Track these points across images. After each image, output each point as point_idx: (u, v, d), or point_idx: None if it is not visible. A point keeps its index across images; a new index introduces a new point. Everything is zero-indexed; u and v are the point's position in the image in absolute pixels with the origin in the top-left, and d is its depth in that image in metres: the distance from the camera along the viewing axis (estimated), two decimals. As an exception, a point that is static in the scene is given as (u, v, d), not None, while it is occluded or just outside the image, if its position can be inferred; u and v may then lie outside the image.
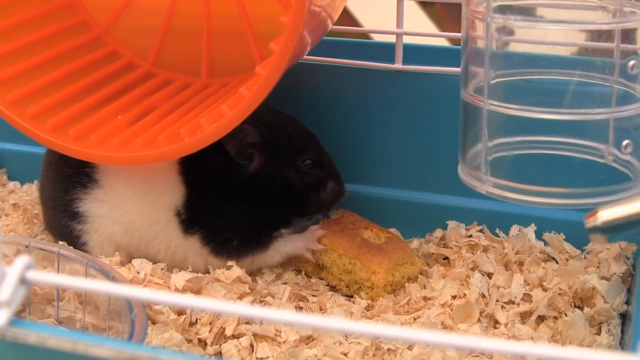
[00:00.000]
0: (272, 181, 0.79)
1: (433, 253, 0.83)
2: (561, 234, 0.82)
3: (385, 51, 0.88)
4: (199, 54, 0.91)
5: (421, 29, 0.91)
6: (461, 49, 0.70)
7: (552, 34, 0.69)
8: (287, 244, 0.81)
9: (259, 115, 0.74)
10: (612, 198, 0.65)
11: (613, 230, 0.55)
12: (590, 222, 0.55)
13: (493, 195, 0.67)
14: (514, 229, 0.84)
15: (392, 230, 0.86)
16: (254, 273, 0.80)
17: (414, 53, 0.88)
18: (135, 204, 0.79)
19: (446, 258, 0.83)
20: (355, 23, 1.75)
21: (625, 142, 0.67)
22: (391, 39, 0.88)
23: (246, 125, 0.74)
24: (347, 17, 1.72)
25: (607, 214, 0.55)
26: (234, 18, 0.88)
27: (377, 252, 0.78)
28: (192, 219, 0.79)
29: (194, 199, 0.79)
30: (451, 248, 0.83)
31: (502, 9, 0.69)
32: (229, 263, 0.78)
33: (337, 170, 0.83)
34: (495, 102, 0.66)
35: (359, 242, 0.79)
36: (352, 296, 0.78)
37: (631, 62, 0.66)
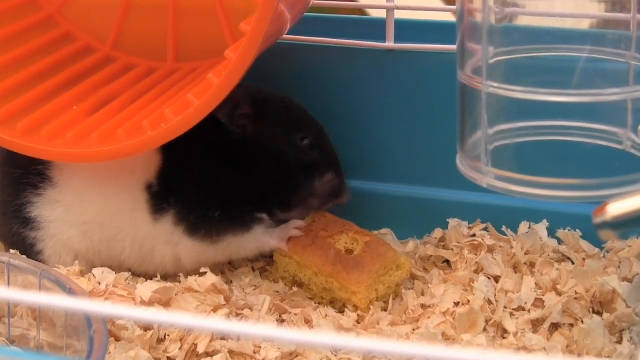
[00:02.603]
0: (262, 149, 0.82)
1: (431, 256, 0.85)
2: (577, 230, 0.84)
3: (377, 28, 0.90)
4: (164, 36, 0.92)
5: (421, 2, 0.92)
6: (457, 24, 0.72)
7: (560, 5, 0.71)
8: (267, 234, 0.83)
9: (255, 90, 0.77)
10: (630, 189, 0.66)
11: (625, 225, 0.56)
12: (599, 217, 0.57)
13: (495, 188, 0.68)
14: (523, 226, 0.85)
15: (385, 230, 0.88)
16: (226, 275, 0.83)
17: (408, 29, 0.89)
18: (95, 197, 0.81)
19: (446, 261, 0.85)
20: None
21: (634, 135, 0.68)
22: (384, 14, 0.90)
23: (239, 90, 0.75)
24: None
25: (617, 208, 0.56)
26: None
27: (354, 267, 0.79)
28: (166, 190, 0.80)
29: (170, 166, 0.81)
30: (452, 249, 0.84)
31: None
32: (201, 251, 0.80)
33: (340, 165, 0.85)
34: (496, 84, 0.68)
35: (333, 257, 0.80)
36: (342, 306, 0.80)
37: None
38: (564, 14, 0.71)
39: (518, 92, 0.67)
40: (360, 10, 1.54)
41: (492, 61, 0.70)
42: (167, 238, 0.81)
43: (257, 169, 0.81)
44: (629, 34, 0.69)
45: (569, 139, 0.71)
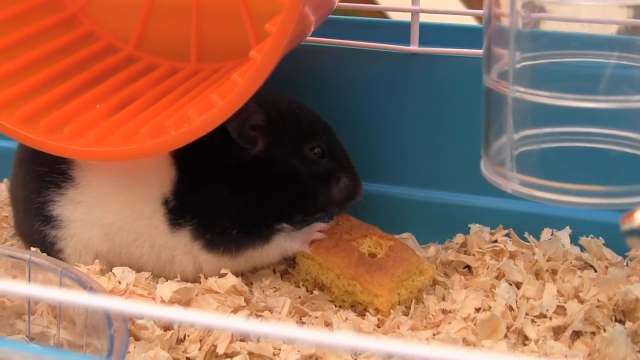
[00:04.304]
0: (274, 167, 0.81)
1: (452, 261, 0.84)
2: (600, 238, 0.84)
3: (401, 31, 0.90)
4: (187, 36, 0.92)
5: (444, 5, 0.91)
6: (483, 29, 0.71)
7: (587, 11, 0.70)
8: (288, 240, 0.83)
9: (265, 96, 0.76)
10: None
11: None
12: (626, 224, 0.56)
13: (520, 194, 0.68)
14: (546, 233, 0.85)
15: (406, 235, 0.88)
16: (247, 276, 0.82)
17: (433, 33, 0.89)
18: (116, 202, 0.81)
19: (467, 266, 0.84)
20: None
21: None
22: (408, 17, 0.89)
23: (251, 104, 0.75)
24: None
25: (645, 215, 0.56)
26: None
27: (377, 270, 0.79)
28: (182, 206, 0.80)
29: (185, 183, 0.80)
30: (473, 255, 0.84)
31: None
32: (222, 264, 0.80)
33: (352, 165, 0.85)
34: (522, 89, 0.67)
35: (356, 259, 0.80)
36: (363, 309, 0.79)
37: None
38: (591, 19, 0.71)
39: (544, 97, 0.66)
40: (381, 13, 1.53)
41: (518, 66, 0.69)
42: (187, 250, 0.81)
43: (271, 184, 0.81)
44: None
45: (595, 146, 0.70)
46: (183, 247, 0.80)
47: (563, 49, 0.71)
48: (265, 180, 0.81)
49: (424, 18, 0.90)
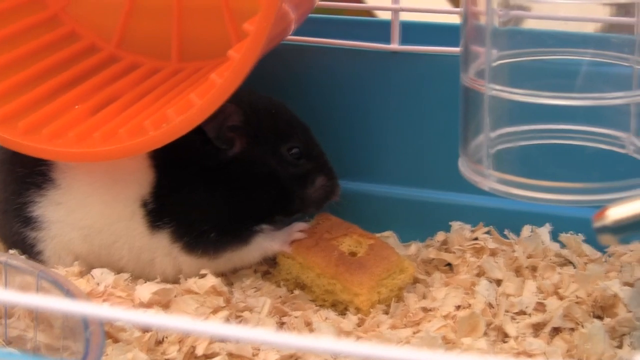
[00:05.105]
0: (252, 169, 0.81)
1: (433, 259, 0.84)
2: (580, 234, 0.83)
3: (385, 30, 0.89)
4: (169, 35, 0.91)
5: (429, 4, 0.91)
6: (460, 27, 0.71)
7: (564, 8, 0.70)
8: (268, 240, 0.82)
9: (242, 96, 0.75)
10: (633, 193, 0.66)
11: (625, 229, 0.55)
12: (599, 222, 0.56)
13: (497, 192, 0.68)
14: (526, 230, 0.85)
15: (388, 233, 0.87)
16: (228, 277, 0.82)
17: (416, 31, 0.88)
18: (95, 203, 0.80)
19: (449, 264, 0.84)
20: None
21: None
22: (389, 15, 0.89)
23: (228, 105, 0.74)
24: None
25: (618, 212, 0.55)
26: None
27: (357, 268, 0.78)
28: (161, 209, 0.80)
29: (164, 185, 0.80)
30: (454, 253, 0.83)
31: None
32: (201, 265, 0.79)
33: (329, 165, 0.84)
34: (498, 87, 0.67)
35: (336, 258, 0.79)
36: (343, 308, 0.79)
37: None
38: (568, 17, 0.70)
39: (521, 95, 0.66)
40: (368, 12, 1.53)
41: (495, 64, 0.69)
42: (166, 252, 0.80)
43: (249, 186, 0.81)
44: (633, 38, 0.69)
45: (572, 143, 0.70)
46: (162, 249, 0.80)
47: (540, 46, 0.71)
48: (243, 182, 0.81)
49: (408, 17, 0.90)
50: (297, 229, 0.83)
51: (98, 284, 0.76)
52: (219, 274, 0.80)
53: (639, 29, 0.69)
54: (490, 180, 0.68)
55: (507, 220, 0.85)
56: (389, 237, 0.89)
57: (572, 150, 0.70)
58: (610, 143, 0.71)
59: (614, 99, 0.67)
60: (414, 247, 0.87)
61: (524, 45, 0.70)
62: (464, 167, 0.71)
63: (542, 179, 0.66)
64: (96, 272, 0.78)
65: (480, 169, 0.69)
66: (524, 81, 0.67)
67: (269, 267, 0.85)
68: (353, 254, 0.81)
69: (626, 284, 0.76)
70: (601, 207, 0.60)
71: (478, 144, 0.69)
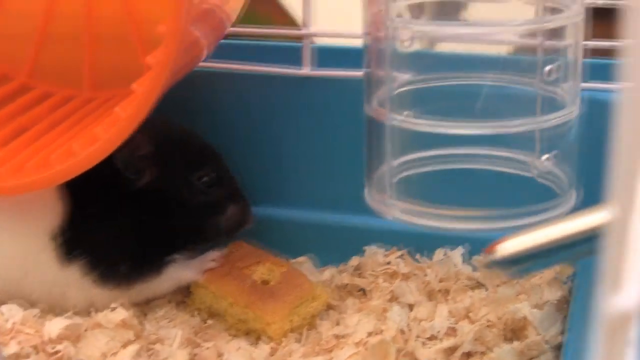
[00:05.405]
0: (163, 198, 0.80)
1: (347, 284, 0.84)
2: (492, 256, 0.84)
3: (296, 54, 0.89)
4: (81, 63, 0.90)
5: (343, 25, 0.90)
6: (363, 55, 0.71)
7: (469, 31, 0.70)
8: (181, 270, 0.82)
9: (153, 125, 0.75)
10: (536, 218, 0.66)
11: (515, 263, 0.56)
12: (488, 257, 0.56)
13: (401, 221, 0.68)
14: (439, 253, 0.85)
15: (303, 259, 0.87)
16: (141, 307, 0.81)
17: (328, 55, 0.88)
18: (3, 237, 0.79)
19: (363, 289, 0.84)
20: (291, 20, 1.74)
21: (549, 154, 0.68)
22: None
23: (137, 135, 0.74)
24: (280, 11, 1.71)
25: (508, 247, 0.56)
26: (120, 20, 0.89)
27: (269, 297, 0.78)
28: (72, 241, 0.79)
29: (74, 217, 0.79)
30: (367, 278, 0.83)
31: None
32: (114, 298, 0.78)
33: (241, 193, 0.84)
34: (400, 117, 0.67)
35: (249, 287, 0.79)
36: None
37: (548, 68, 0.67)
38: (476, 38, 0.71)
39: (422, 126, 0.66)
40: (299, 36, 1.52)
41: (398, 91, 0.69)
42: (78, 285, 0.79)
43: (160, 216, 0.80)
44: (536, 59, 0.69)
45: (476, 167, 0.71)
46: (74, 282, 0.79)
47: (444, 70, 0.71)
48: (154, 211, 0.80)
49: (324, 40, 0.90)
50: (211, 257, 0.82)
51: (7, 321, 0.75)
52: (132, 305, 0.80)
53: (542, 53, 0.69)
54: (394, 210, 0.69)
55: (422, 243, 0.85)
56: (304, 262, 0.88)
57: (476, 175, 0.71)
58: (515, 167, 0.71)
59: (517, 126, 0.67)
60: (328, 273, 0.86)
61: (427, 70, 0.70)
62: (369, 197, 0.71)
63: (446, 207, 0.66)
64: (4, 308, 0.77)
65: (384, 198, 0.69)
66: (428, 107, 0.67)
67: (183, 296, 0.84)
68: (266, 282, 0.80)
69: (536, 306, 0.77)
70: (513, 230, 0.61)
71: (381, 173, 0.70)
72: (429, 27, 0.70)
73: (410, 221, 0.67)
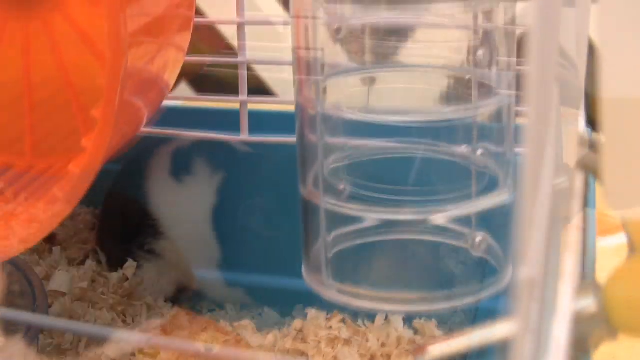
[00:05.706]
0: None
1: (289, 349, 0.84)
2: (433, 320, 0.84)
3: (235, 119, 0.89)
4: (22, 130, 0.90)
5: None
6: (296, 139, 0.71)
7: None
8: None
9: None
10: (472, 299, 0.67)
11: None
12: (417, 358, 0.57)
13: (339, 303, 0.68)
14: (380, 318, 0.85)
15: (246, 322, 0.87)
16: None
17: (266, 120, 0.89)
18: None
19: (306, 355, 0.84)
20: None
21: (480, 236, 0.68)
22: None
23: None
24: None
25: (438, 349, 0.56)
26: (59, 87, 0.88)
27: None
28: None
29: None
30: (309, 343, 0.84)
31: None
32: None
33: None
34: (333, 201, 0.67)
35: (192, 356, 0.79)
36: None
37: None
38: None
39: (355, 211, 0.67)
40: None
41: (332, 166, 0.69)
42: None
43: None
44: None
45: (412, 237, 0.71)
46: None
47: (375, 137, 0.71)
48: None
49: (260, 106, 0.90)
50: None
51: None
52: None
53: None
54: (331, 290, 0.69)
55: (363, 307, 0.86)
56: (247, 326, 0.88)
57: (410, 255, 0.71)
58: (452, 239, 0.72)
59: (452, 210, 0.67)
60: (271, 337, 0.87)
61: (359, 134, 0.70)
62: (307, 275, 0.71)
63: (378, 290, 0.66)
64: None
65: (320, 278, 0.70)
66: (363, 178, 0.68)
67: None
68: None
69: (475, 372, 0.78)
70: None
71: (317, 252, 0.70)
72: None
73: (347, 303, 0.67)
